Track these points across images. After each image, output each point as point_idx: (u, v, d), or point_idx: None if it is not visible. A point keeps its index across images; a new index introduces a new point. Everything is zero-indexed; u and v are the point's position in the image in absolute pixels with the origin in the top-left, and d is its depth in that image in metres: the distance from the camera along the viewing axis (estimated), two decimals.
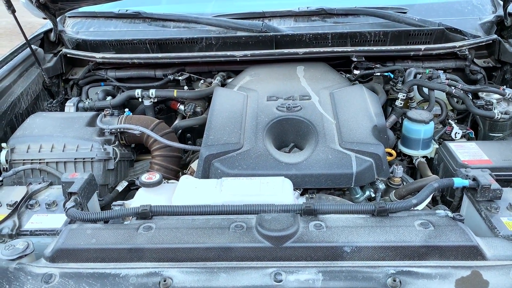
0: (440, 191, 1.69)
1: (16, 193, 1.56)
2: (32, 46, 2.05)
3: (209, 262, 1.19)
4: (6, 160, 1.70)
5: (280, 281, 1.13)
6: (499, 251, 1.18)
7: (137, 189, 1.92)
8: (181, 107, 2.21)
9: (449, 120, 1.96)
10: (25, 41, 2.13)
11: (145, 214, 1.30)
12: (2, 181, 1.65)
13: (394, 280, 1.10)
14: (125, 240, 1.22)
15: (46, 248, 1.25)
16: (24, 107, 1.98)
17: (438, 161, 1.78)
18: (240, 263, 1.18)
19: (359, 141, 1.60)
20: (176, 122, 2.20)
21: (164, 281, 1.13)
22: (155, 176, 1.48)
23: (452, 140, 1.91)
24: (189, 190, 1.43)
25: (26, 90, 2.01)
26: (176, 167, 1.91)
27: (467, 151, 1.67)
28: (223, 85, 2.20)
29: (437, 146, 1.83)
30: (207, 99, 2.19)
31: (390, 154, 1.72)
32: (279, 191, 1.38)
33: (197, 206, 1.30)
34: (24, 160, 1.71)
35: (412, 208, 1.31)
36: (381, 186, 1.67)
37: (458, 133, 1.90)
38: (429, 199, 1.41)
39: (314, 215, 1.28)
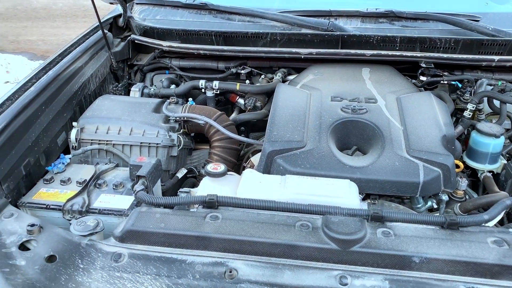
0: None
1: (85, 171, 1.62)
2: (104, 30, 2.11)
3: (274, 257, 1.20)
4: (76, 139, 1.76)
5: (346, 284, 1.12)
6: None
7: (194, 177, 1.97)
8: (240, 100, 2.23)
9: None
10: (96, 24, 2.20)
11: (211, 204, 1.32)
12: (71, 158, 1.71)
13: None
14: (193, 227, 1.24)
15: (116, 228, 1.29)
16: (92, 89, 2.05)
17: (505, 177, 1.71)
18: (305, 262, 1.18)
19: (427, 150, 1.56)
20: (234, 114, 2.22)
21: (230, 272, 1.15)
22: (220, 167, 1.49)
23: None
24: (254, 184, 1.44)
25: (96, 73, 2.08)
26: (234, 159, 1.93)
27: None
28: (283, 81, 2.19)
29: (505, 161, 1.76)
30: (267, 94, 2.19)
31: (458, 166, 1.67)
32: (345, 194, 1.37)
33: (263, 201, 1.31)
34: (92, 140, 1.77)
35: (483, 224, 1.27)
36: (444, 197, 1.62)
37: None
38: (500, 216, 1.36)
39: (381, 222, 1.26)
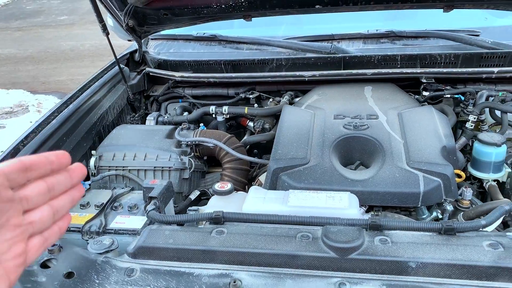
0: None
1: (103, 195, 1.73)
2: (120, 65, 2.27)
3: (275, 268, 1.26)
4: (95, 166, 1.89)
5: None
6: None
7: (207, 199, 2.06)
8: (250, 123, 2.33)
9: None
10: (113, 60, 2.36)
11: (217, 219, 1.40)
12: (90, 184, 1.83)
13: None
14: (199, 242, 1.32)
15: (129, 245, 1.38)
16: (110, 120, 2.19)
17: (510, 185, 1.73)
18: (305, 271, 1.23)
19: (427, 161, 1.60)
20: (245, 137, 2.32)
21: (234, 282, 1.21)
22: (227, 186, 1.58)
23: None
24: (258, 199, 1.52)
25: (113, 105, 2.22)
26: (244, 180, 2.01)
27: None
28: (291, 103, 2.29)
29: (510, 170, 1.78)
30: (275, 116, 2.28)
31: (460, 176, 1.70)
32: (345, 205, 1.42)
33: (265, 215, 1.38)
34: (109, 166, 1.89)
35: (480, 229, 1.30)
36: (449, 207, 1.65)
37: None
38: (499, 222, 1.39)
39: (379, 230, 1.31)
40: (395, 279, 1.19)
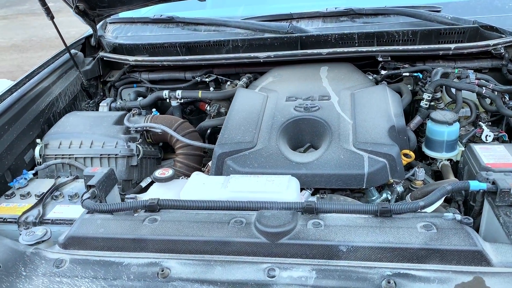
0: (463, 195, 1.61)
1: (45, 185, 1.68)
2: (72, 50, 2.19)
3: (206, 255, 1.22)
4: (40, 155, 1.83)
5: (273, 276, 1.14)
6: (508, 258, 1.11)
7: None
8: (208, 107, 2.27)
9: (480, 122, 1.86)
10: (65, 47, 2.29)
11: (152, 207, 1.35)
12: (36, 173, 1.78)
13: (389, 282, 1.07)
14: (130, 231, 1.28)
15: (60, 235, 1.34)
16: (62, 107, 2.13)
17: (463, 164, 1.69)
18: (236, 257, 1.20)
19: (373, 142, 1.56)
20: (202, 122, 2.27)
21: (162, 271, 1.18)
22: (168, 172, 1.53)
23: (483, 143, 1.81)
24: (198, 186, 1.47)
25: (64, 91, 2.16)
26: (198, 165, 1.97)
27: (493, 154, 1.57)
28: (248, 86, 2.23)
29: (463, 148, 1.74)
30: (231, 99, 2.23)
31: (409, 156, 1.66)
32: (283, 189, 1.38)
33: (200, 201, 1.34)
34: (56, 155, 1.84)
35: (419, 210, 1.26)
36: (399, 188, 1.62)
37: (490, 136, 1.80)
38: (440, 202, 1.35)
39: (315, 213, 1.27)
40: (325, 263, 1.15)
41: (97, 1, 2.12)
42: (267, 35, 2.25)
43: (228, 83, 2.31)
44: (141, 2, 2.15)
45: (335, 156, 1.54)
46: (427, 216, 1.24)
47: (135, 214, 1.38)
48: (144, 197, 1.49)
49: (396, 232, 1.17)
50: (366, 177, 1.49)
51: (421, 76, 2.05)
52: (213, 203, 1.32)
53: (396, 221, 1.22)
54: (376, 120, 1.67)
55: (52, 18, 1.97)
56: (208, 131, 2.19)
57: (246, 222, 1.26)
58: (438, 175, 1.87)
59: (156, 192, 1.51)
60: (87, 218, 1.36)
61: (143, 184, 1.90)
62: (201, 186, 1.47)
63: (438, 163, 1.78)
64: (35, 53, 8.08)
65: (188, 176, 1.84)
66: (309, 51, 2.08)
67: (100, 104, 2.23)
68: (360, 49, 2.04)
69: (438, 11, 2.19)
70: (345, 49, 2.05)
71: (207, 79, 2.29)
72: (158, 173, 1.53)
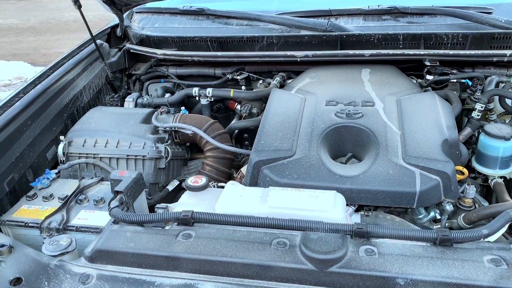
0: None
1: (69, 186, 1.58)
2: (97, 41, 2.08)
3: (247, 279, 1.11)
4: (63, 153, 1.73)
5: None
6: None
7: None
8: (239, 107, 2.15)
9: None
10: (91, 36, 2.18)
11: (186, 221, 1.25)
12: (59, 173, 1.69)
13: None
14: (163, 247, 1.18)
15: (87, 247, 1.24)
16: (86, 101, 2.02)
17: None
18: (279, 284, 1.09)
19: (425, 157, 1.43)
20: (232, 122, 2.15)
21: None
22: (202, 180, 1.42)
23: None
24: (234, 197, 1.36)
25: (89, 84, 2.05)
26: (228, 169, 1.86)
27: None
28: (282, 86, 2.10)
29: None
30: (264, 100, 2.11)
31: (462, 173, 1.53)
32: (330, 207, 1.26)
33: (239, 216, 1.22)
34: (80, 153, 1.74)
35: (482, 239, 1.14)
36: (449, 207, 1.49)
37: None
38: (503, 230, 1.22)
39: (366, 238, 1.15)
40: None
41: None
42: (303, 32, 2.11)
43: (260, 81, 2.18)
44: None
45: (383, 171, 1.41)
46: (493, 248, 1.11)
47: (167, 227, 1.28)
48: (176, 207, 1.38)
49: (460, 266, 1.05)
50: (418, 196, 1.36)
51: (470, 83, 1.90)
52: (253, 220, 1.21)
53: (459, 252, 1.10)
54: (427, 131, 1.53)
55: (79, 7, 1.86)
56: (236, 131, 2.08)
57: (290, 245, 1.15)
58: (486, 191, 1.74)
59: (188, 202, 1.40)
60: (115, 229, 1.26)
61: (170, 187, 1.80)
62: (237, 199, 1.35)
63: (490, 180, 1.64)
64: (52, 36, 8.03)
65: (218, 181, 1.74)
66: (351, 52, 1.94)
67: (126, 99, 2.12)
68: (406, 51, 1.90)
69: (490, 13, 2.03)
70: (390, 51, 1.91)
71: (238, 77, 2.16)
72: (191, 181, 1.42)
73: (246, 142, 2.25)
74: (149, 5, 2.46)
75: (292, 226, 1.19)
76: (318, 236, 1.15)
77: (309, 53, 1.98)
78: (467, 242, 1.12)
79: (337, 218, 1.24)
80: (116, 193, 1.40)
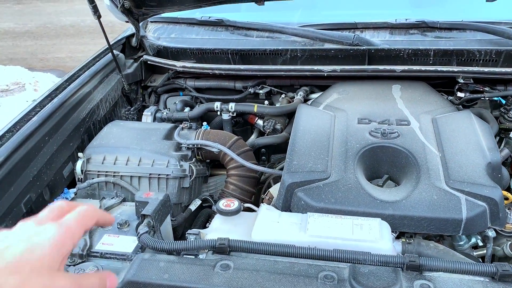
0: None
1: None
2: (114, 51, 2.00)
3: None
4: (82, 171, 1.65)
5: None
6: None
7: (209, 206, 1.82)
8: (259, 122, 2.08)
9: None
10: (106, 46, 2.10)
11: (222, 249, 1.17)
12: (76, 193, 1.60)
13: None
14: (201, 279, 1.09)
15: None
16: (102, 114, 1.94)
17: None
18: None
19: (470, 181, 1.36)
20: (253, 138, 2.07)
21: None
22: (234, 204, 1.34)
23: None
24: (270, 224, 1.28)
25: (106, 97, 1.97)
26: (252, 189, 1.78)
27: None
28: (305, 101, 2.03)
29: None
30: (287, 115, 2.03)
31: (506, 198, 1.46)
32: (377, 237, 1.18)
33: (281, 246, 1.14)
34: (99, 171, 1.65)
35: None
36: (491, 234, 1.42)
37: None
38: None
39: (419, 271, 1.07)
40: None
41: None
42: (327, 45, 2.04)
43: (283, 95, 2.11)
44: (192, 3, 1.96)
45: (427, 196, 1.34)
46: None
47: (201, 256, 1.19)
48: (208, 233, 1.30)
49: None
50: (464, 223, 1.29)
51: (503, 101, 1.84)
52: (297, 250, 1.13)
53: None
54: (468, 154, 1.46)
55: (99, 17, 1.78)
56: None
57: (338, 279, 1.07)
58: None
59: (220, 228, 1.32)
60: (146, 258, 1.17)
61: (193, 207, 1.71)
62: (274, 226, 1.27)
63: None
64: (49, 41, 7.92)
65: (242, 200, 1.65)
66: (380, 67, 1.87)
67: (144, 113, 2.03)
68: (439, 68, 1.83)
69: None
70: (422, 67, 1.84)
71: (260, 91, 2.09)
72: (223, 204, 1.34)
73: (263, 158, 2.18)
74: (165, 15, 2.39)
75: (339, 257, 1.11)
76: (369, 270, 1.07)
77: (337, 67, 1.91)
78: None
79: (385, 248, 1.17)
80: (143, 216, 1.32)
